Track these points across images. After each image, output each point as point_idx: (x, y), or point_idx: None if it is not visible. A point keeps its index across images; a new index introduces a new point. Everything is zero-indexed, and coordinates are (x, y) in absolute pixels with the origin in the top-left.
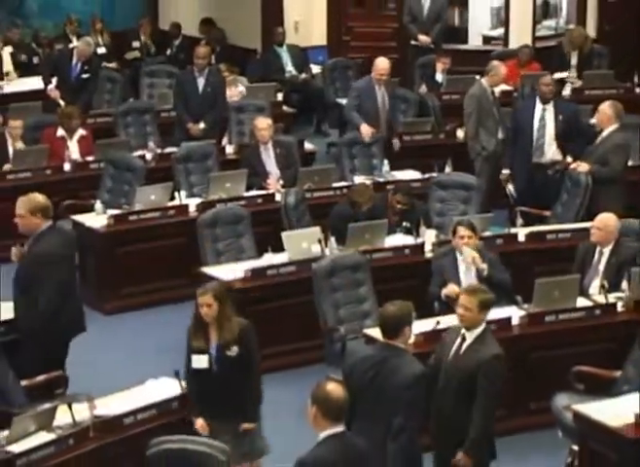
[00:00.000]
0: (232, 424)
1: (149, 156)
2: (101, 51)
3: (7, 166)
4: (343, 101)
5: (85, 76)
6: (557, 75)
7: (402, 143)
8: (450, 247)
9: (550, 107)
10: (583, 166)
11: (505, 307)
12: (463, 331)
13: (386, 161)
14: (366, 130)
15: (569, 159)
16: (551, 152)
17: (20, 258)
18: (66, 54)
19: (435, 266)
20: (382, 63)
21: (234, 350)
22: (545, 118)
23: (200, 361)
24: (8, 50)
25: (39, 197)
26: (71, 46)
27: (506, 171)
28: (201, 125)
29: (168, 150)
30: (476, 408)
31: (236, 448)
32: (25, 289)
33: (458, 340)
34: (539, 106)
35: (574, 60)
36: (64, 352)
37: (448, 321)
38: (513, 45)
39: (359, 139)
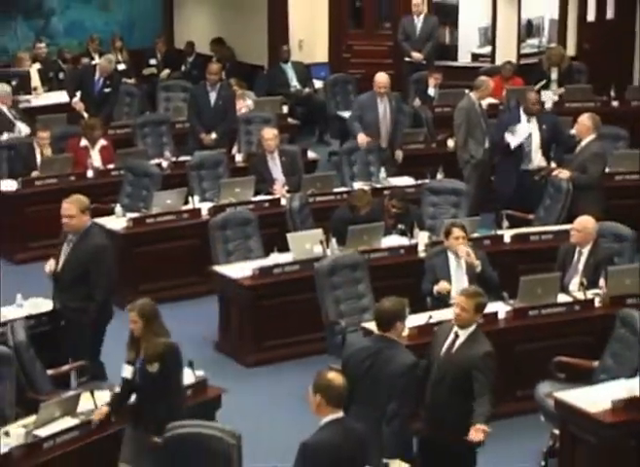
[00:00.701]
0: (147, 437)
1: (165, 164)
2: (121, 67)
3: (35, 173)
4: (344, 113)
5: (106, 90)
6: (537, 86)
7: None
8: (442, 248)
9: (533, 119)
10: (564, 173)
11: (492, 303)
12: (456, 329)
13: (383, 169)
14: (362, 139)
15: (553, 165)
16: (538, 159)
17: (55, 271)
18: (89, 71)
19: (427, 264)
20: (381, 77)
21: (155, 367)
22: (530, 129)
23: (127, 371)
24: (36, 66)
25: (83, 197)
26: (94, 63)
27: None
28: (213, 136)
29: (183, 158)
30: (478, 399)
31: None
32: (80, 282)
33: (451, 336)
34: (524, 118)
35: (554, 76)
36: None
37: (440, 316)
38: (499, 62)
39: (357, 147)
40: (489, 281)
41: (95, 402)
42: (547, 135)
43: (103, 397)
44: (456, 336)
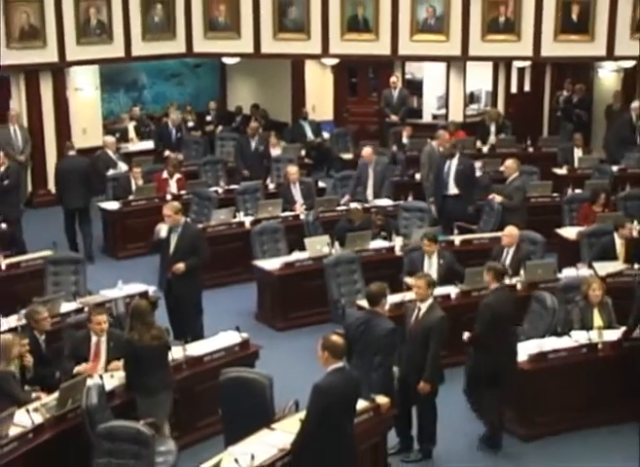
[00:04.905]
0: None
1: (220, 190)
2: (190, 124)
3: (130, 197)
4: (344, 155)
5: (178, 135)
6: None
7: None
8: (415, 247)
9: (454, 160)
10: (497, 198)
11: (446, 287)
12: (418, 304)
13: (370, 192)
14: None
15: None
16: (452, 188)
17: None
18: (167, 126)
19: (407, 259)
20: (365, 152)
21: None
22: (450, 168)
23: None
24: (132, 123)
25: (175, 202)
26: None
27: (431, 199)
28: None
29: (232, 187)
30: (430, 352)
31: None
32: (189, 254)
33: (416, 309)
34: (447, 161)
35: (493, 129)
36: None
37: (411, 296)
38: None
39: (346, 175)
40: (458, 273)
41: (172, 355)
42: (460, 172)
43: (177, 352)
44: (419, 309)
